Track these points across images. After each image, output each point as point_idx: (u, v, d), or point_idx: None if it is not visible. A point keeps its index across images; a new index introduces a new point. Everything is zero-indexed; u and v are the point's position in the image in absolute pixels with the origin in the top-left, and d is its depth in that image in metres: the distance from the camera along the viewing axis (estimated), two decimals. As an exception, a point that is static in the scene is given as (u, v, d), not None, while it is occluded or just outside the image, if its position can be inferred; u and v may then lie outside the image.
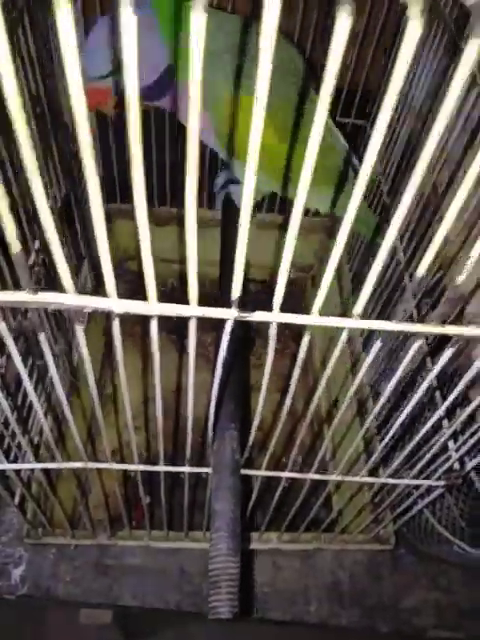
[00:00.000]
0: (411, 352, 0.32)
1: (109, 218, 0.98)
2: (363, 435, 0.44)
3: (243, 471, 0.47)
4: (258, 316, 0.28)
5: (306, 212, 0.83)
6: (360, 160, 0.89)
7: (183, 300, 0.28)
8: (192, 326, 0.30)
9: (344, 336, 0.31)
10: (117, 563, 0.73)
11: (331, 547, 0.65)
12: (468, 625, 0.75)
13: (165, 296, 1.04)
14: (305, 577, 0.75)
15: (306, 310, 0.28)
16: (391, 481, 0.48)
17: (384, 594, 0.76)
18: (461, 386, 0.36)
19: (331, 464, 0.77)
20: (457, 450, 0.44)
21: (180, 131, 0.77)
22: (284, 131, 0.59)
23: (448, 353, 0.33)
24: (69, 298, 0.26)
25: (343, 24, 0.16)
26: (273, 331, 0.30)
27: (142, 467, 0.47)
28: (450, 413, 0.48)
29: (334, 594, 0.75)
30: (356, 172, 0.79)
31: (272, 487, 0.54)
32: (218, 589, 0.39)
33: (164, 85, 0.54)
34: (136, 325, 0.99)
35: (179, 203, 0.98)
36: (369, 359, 0.33)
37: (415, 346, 0.32)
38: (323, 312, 0.28)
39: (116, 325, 0.30)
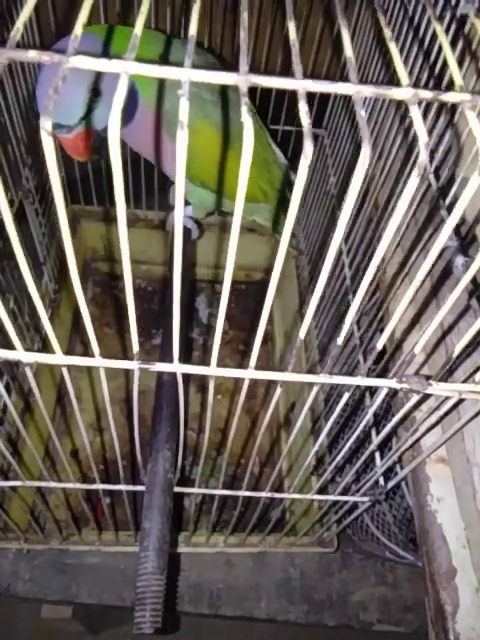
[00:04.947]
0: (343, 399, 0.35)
1: (74, 219, 0.99)
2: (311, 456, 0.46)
3: (177, 489, 0.49)
4: (233, 372, 0.31)
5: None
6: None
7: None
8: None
9: (314, 391, 0.34)
10: (76, 562, 0.76)
11: (276, 550, 0.68)
12: (411, 619, 0.78)
13: (134, 297, 1.05)
14: (257, 574, 0.78)
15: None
16: (318, 497, 0.51)
17: (333, 590, 0.80)
18: (388, 428, 0.38)
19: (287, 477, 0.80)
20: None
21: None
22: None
23: (378, 400, 0.35)
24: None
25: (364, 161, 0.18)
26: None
27: (83, 486, 0.49)
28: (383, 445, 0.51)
29: (284, 590, 0.78)
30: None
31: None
32: (143, 606, 0.42)
33: (129, 111, 0.51)
34: (105, 326, 1.01)
35: (142, 204, 0.99)
36: (337, 411, 0.36)
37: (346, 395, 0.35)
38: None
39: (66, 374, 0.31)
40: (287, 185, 0.75)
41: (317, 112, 0.82)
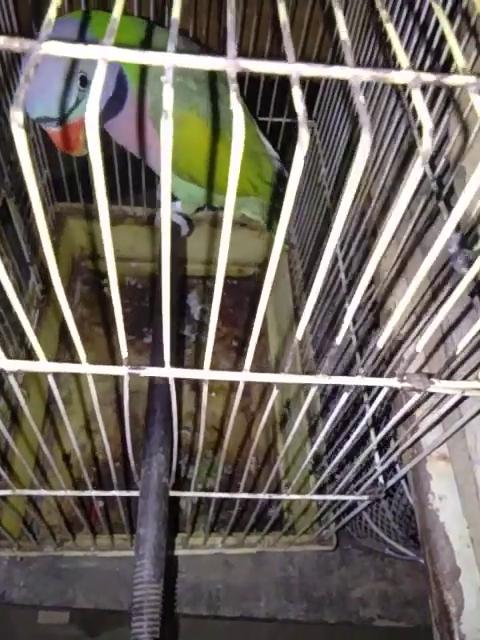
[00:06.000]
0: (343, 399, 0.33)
1: (61, 218, 0.96)
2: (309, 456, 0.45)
3: (172, 493, 0.48)
4: (228, 376, 0.30)
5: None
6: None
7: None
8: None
9: (312, 392, 0.32)
10: (71, 567, 0.74)
11: (275, 550, 0.67)
12: (412, 614, 0.78)
13: (124, 294, 1.03)
14: (256, 574, 0.77)
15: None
16: (317, 497, 0.50)
17: (332, 587, 0.79)
18: (389, 427, 0.37)
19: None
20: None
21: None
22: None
23: (378, 400, 0.34)
24: None
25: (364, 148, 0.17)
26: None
27: (75, 493, 0.48)
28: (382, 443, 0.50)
29: (283, 589, 0.77)
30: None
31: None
32: (140, 616, 0.40)
33: (119, 99, 0.49)
34: (95, 326, 0.99)
35: (131, 200, 0.96)
36: (335, 413, 0.34)
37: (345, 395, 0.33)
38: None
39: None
40: (277, 178, 0.73)
41: (306, 103, 0.80)
